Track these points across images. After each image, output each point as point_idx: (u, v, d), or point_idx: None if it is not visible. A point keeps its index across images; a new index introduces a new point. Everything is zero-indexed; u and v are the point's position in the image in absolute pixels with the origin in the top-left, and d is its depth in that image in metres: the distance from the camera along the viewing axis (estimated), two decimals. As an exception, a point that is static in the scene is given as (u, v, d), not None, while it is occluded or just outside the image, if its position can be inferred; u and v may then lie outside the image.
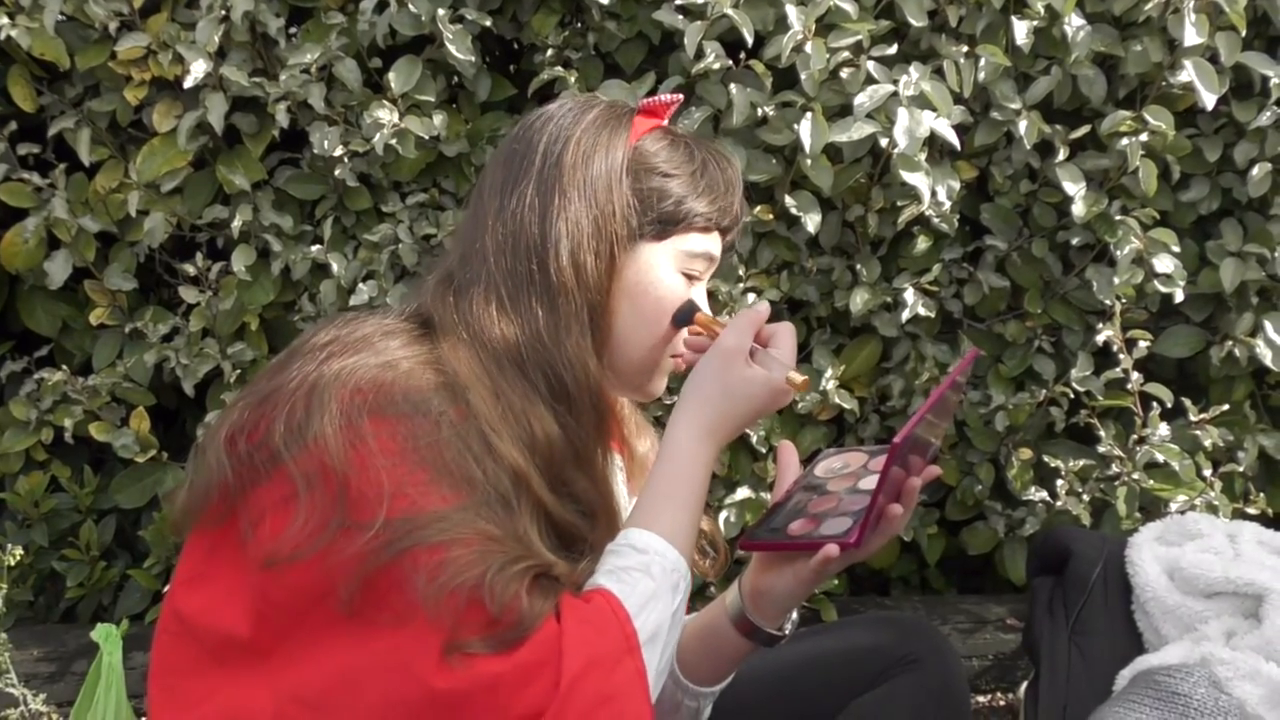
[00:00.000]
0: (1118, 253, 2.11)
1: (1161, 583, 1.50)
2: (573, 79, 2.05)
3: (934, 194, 2.04)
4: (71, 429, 2.27)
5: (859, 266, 2.18)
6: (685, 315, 1.24)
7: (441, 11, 2.02)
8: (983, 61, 2.05)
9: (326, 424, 1.06)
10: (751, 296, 2.11)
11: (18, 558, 2.11)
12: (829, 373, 2.17)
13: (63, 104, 2.24)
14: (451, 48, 2.03)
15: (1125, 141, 2.09)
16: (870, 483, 1.24)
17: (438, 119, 2.10)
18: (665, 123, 1.32)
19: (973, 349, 1.35)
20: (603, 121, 1.26)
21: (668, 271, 1.25)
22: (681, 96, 1.33)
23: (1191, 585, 1.51)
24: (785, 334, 1.23)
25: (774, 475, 1.34)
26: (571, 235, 1.21)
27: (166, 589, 2.22)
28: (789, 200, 2.09)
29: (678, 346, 1.27)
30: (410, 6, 2.03)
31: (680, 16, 2.02)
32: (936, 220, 2.11)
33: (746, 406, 1.18)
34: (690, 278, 1.26)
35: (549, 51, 2.12)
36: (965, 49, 2.06)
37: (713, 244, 1.28)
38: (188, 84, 2.03)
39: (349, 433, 1.06)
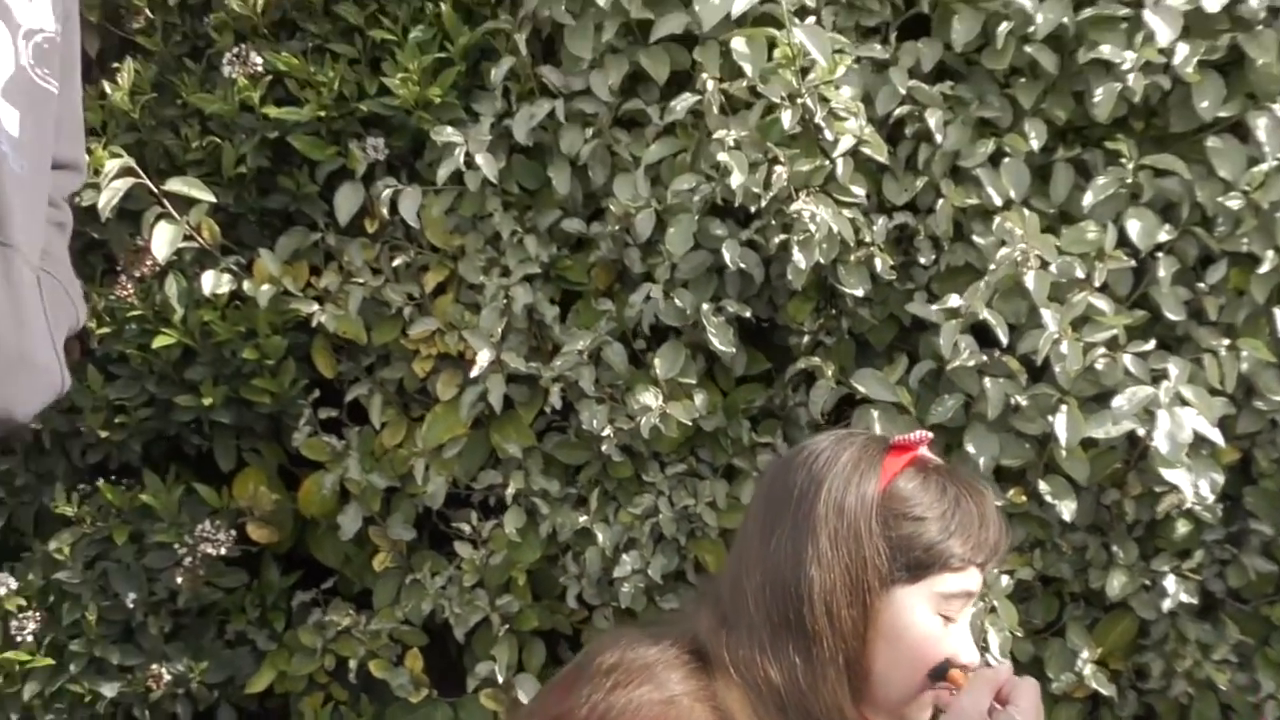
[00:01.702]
0: (1396, 544, 2.03)
1: None
2: (830, 371, 2.14)
3: (1195, 488, 2.02)
4: (354, 667, 2.46)
5: (1115, 547, 2.16)
6: (939, 672, 1.29)
7: (706, 306, 2.15)
8: (1245, 354, 2.04)
9: None
10: (1005, 579, 2.12)
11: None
12: (1084, 654, 2.15)
13: (358, 371, 2.47)
14: (714, 340, 2.15)
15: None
16: None
17: (698, 399, 2.22)
18: (921, 451, 1.38)
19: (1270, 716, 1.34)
20: (854, 464, 1.33)
21: (924, 614, 1.30)
22: (931, 435, 1.39)
23: None
24: (1026, 692, 1.26)
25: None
26: (824, 585, 1.28)
27: None
28: (1042, 485, 2.11)
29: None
30: (676, 300, 2.17)
31: (933, 309, 2.08)
32: (1198, 509, 2.08)
33: None
34: (947, 618, 1.31)
35: (805, 338, 2.21)
36: (1226, 341, 2.05)
37: (970, 580, 1.32)
38: (474, 373, 2.22)
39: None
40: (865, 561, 1.28)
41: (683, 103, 2.10)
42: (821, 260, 2.07)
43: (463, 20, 2.24)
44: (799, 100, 2.01)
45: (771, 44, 2.03)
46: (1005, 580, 2.13)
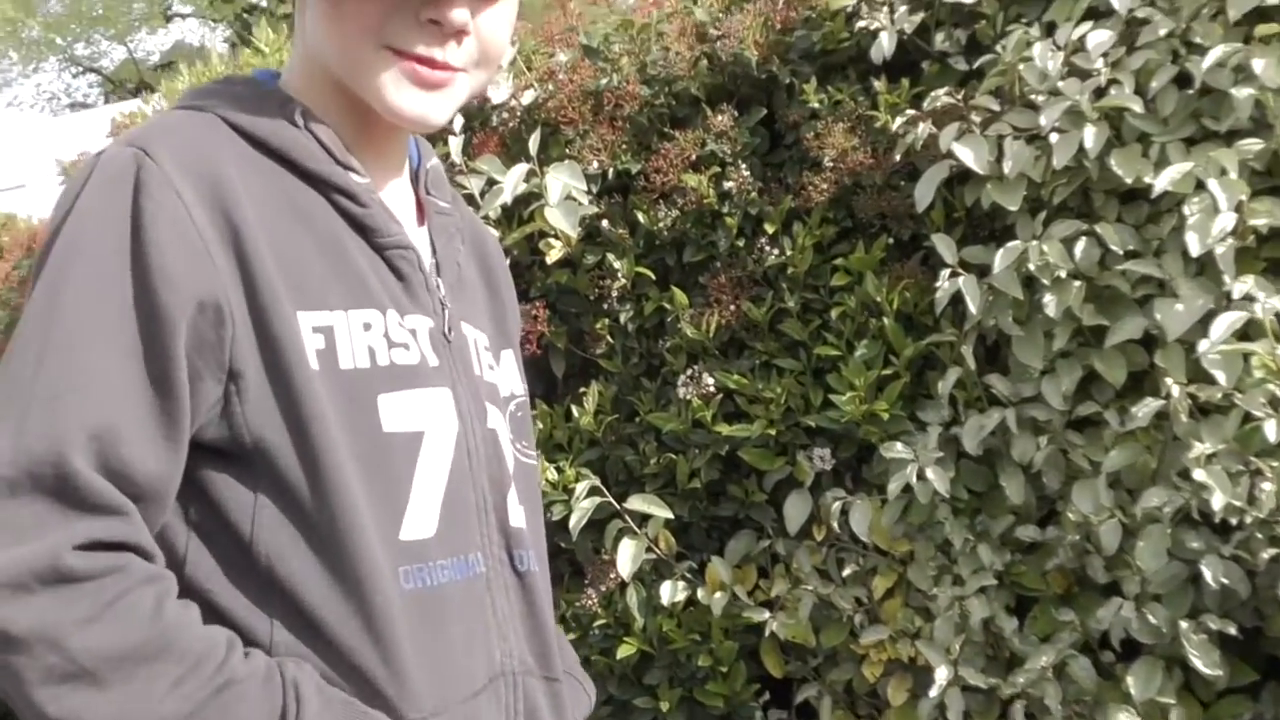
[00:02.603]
0: None
1: None
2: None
3: None
4: None
5: None
6: None
7: (1184, 625, 2.01)
8: None
9: None
10: None
11: None
12: None
13: (805, 671, 2.47)
14: (1195, 660, 2.00)
15: None
16: None
17: (1175, 717, 2.06)
18: None
19: None
20: None
21: None
22: None
23: None
24: None
25: None
26: None
27: None
28: None
29: None
30: (1149, 616, 2.04)
31: None
32: None
33: None
34: None
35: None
36: None
37: None
38: (932, 693, 2.17)
39: None
40: None
41: (1145, 409, 2.02)
42: (1321, 577, 1.90)
43: (904, 331, 2.28)
44: (1283, 410, 1.89)
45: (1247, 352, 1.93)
46: None
